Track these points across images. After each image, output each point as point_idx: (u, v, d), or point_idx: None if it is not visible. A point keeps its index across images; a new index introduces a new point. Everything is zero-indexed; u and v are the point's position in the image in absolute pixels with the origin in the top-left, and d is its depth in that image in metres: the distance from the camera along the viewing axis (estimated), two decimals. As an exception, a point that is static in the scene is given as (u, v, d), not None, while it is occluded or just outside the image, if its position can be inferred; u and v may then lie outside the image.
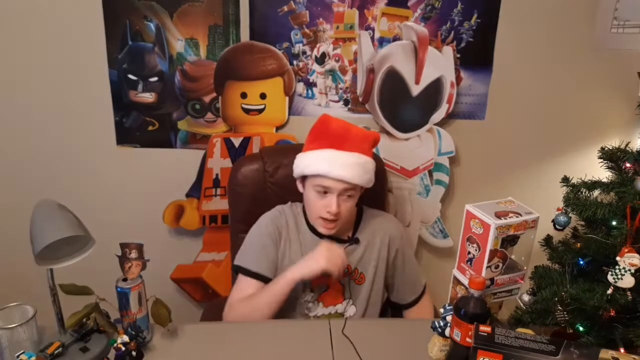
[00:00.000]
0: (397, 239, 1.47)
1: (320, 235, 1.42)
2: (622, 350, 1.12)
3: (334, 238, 1.43)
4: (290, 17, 1.69)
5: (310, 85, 1.77)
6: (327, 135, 1.36)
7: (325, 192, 1.34)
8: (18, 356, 1.08)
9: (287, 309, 1.41)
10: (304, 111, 1.80)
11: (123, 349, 1.14)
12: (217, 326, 1.42)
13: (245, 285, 1.40)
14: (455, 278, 1.30)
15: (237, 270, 1.43)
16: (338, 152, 1.33)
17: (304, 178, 1.40)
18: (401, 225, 1.55)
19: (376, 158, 1.72)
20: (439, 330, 1.19)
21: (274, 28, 1.69)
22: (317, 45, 1.72)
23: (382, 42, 1.73)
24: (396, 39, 1.73)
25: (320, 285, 1.43)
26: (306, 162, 1.36)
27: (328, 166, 1.31)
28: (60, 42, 1.67)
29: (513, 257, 1.27)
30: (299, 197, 1.46)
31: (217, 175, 1.84)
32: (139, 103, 1.76)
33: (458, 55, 1.75)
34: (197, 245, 1.93)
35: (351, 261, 1.43)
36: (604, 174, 1.30)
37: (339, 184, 1.32)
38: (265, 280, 1.38)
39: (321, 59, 1.74)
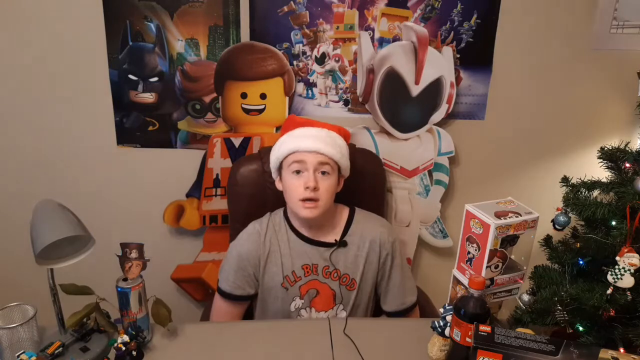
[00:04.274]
0: (388, 244, 1.43)
1: (306, 239, 1.42)
2: (621, 350, 1.12)
3: (320, 242, 1.41)
4: (291, 18, 1.69)
5: (310, 85, 1.77)
6: (294, 125, 1.43)
7: (300, 172, 1.35)
8: (18, 356, 1.08)
9: (279, 317, 1.44)
10: (304, 111, 1.80)
11: (123, 348, 1.15)
12: (217, 326, 1.43)
13: (217, 304, 1.49)
14: (455, 278, 1.30)
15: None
16: (306, 128, 1.40)
17: (280, 169, 1.42)
18: (394, 231, 1.50)
19: (376, 158, 1.75)
20: (439, 330, 1.19)
21: (274, 28, 1.69)
22: (317, 46, 1.72)
23: (382, 42, 1.73)
24: (396, 39, 1.73)
25: (310, 292, 1.43)
26: (278, 146, 1.41)
27: (299, 141, 1.36)
28: (61, 42, 1.67)
29: (513, 257, 1.27)
30: None
31: (217, 175, 1.84)
32: (140, 103, 1.76)
33: (458, 56, 1.75)
34: (197, 245, 1.93)
35: (340, 265, 1.41)
36: (603, 174, 1.30)
37: (313, 155, 1.34)
38: (232, 298, 1.44)
39: (321, 59, 1.74)
